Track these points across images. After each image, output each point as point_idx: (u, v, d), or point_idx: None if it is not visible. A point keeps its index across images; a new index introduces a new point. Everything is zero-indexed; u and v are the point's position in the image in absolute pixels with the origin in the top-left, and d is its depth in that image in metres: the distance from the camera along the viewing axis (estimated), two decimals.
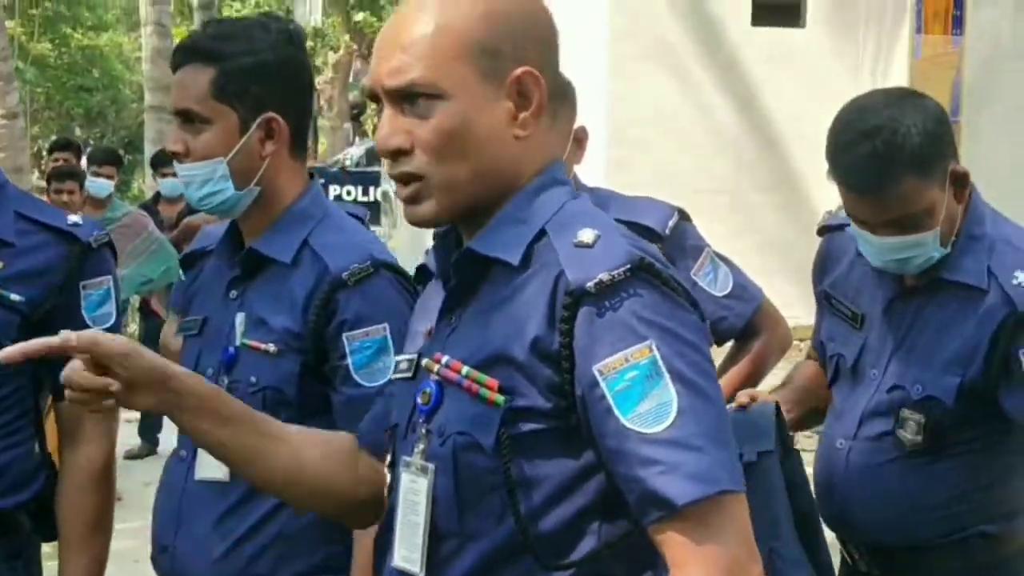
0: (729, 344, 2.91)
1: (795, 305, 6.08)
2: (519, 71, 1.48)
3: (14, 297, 2.27)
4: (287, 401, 2.14)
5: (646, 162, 7.24)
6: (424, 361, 1.56)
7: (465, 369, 1.48)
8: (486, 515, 1.47)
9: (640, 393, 1.37)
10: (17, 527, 2.34)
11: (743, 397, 2.35)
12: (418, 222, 1.53)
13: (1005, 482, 2.35)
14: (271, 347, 2.16)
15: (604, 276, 1.39)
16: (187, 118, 2.19)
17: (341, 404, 2.14)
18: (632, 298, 1.40)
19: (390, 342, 2.11)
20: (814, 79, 7.41)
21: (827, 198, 6.89)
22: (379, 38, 1.55)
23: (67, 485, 2.38)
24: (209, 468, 2.16)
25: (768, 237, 7.30)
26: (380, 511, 1.70)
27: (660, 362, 1.38)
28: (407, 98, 1.48)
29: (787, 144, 7.50)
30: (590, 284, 1.39)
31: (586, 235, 1.44)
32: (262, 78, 2.19)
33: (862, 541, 2.43)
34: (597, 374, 1.39)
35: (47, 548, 2.46)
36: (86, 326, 2.32)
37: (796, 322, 6.64)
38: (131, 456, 7.19)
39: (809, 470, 2.39)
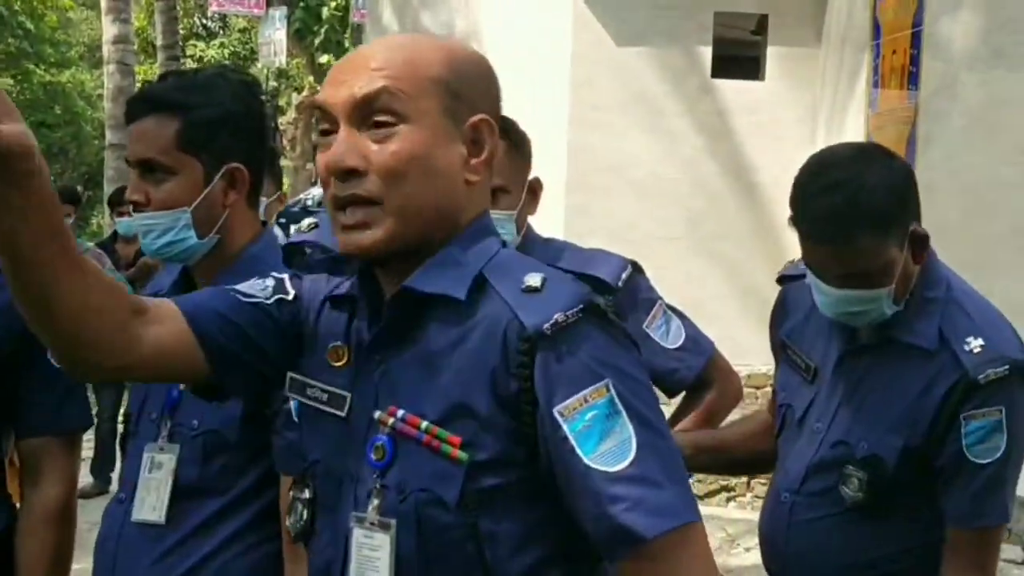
0: (680, 396, 2.92)
1: (752, 353, 6.13)
2: (476, 118, 1.50)
3: None
4: (228, 444, 2.16)
5: (605, 210, 7.28)
6: (376, 414, 1.51)
7: (424, 424, 1.46)
8: (452, 569, 1.47)
9: (601, 432, 1.39)
10: None
11: None
12: (359, 251, 1.47)
13: (943, 544, 2.33)
14: None
15: (559, 317, 1.40)
16: (148, 168, 2.19)
17: (282, 448, 2.13)
18: (586, 339, 1.41)
19: None
20: (772, 130, 7.49)
21: (784, 247, 6.96)
22: (342, 63, 1.52)
23: (28, 524, 2.38)
24: (145, 510, 2.17)
25: (725, 285, 7.34)
26: (148, 369, 1.53)
27: (617, 400, 1.40)
28: (367, 119, 1.46)
29: (745, 194, 7.56)
30: (546, 326, 1.40)
31: (533, 279, 1.45)
32: (226, 129, 2.21)
33: None
34: (558, 416, 1.39)
35: None
36: (50, 365, 2.32)
37: (752, 370, 6.75)
38: (83, 495, 7.10)
39: (756, 516, 2.39)
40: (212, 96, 2.21)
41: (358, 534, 1.51)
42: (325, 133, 1.50)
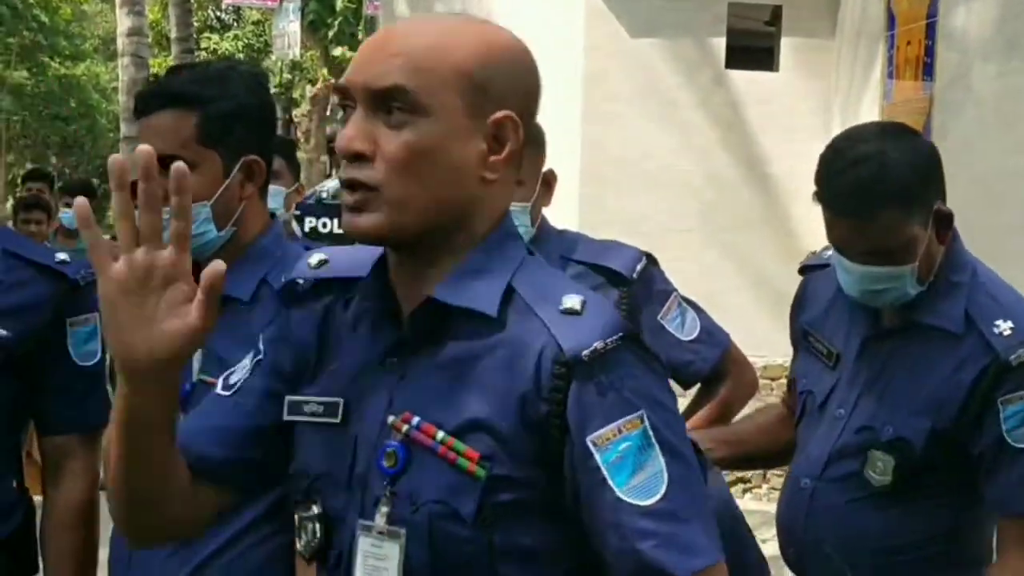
0: (695, 388, 2.93)
1: (767, 344, 6.13)
2: (500, 114, 1.44)
3: (0, 332, 2.27)
4: None
5: (619, 201, 7.28)
6: (390, 419, 1.46)
7: (440, 435, 1.41)
8: None
9: (633, 465, 1.35)
10: None
11: None
12: (356, 234, 1.45)
13: (972, 529, 2.34)
14: None
15: (599, 345, 1.36)
16: (163, 163, 2.19)
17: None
18: (623, 368, 1.37)
19: None
20: (786, 121, 7.47)
21: (799, 238, 6.95)
22: (368, 42, 1.47)
23: (52, 522, 2.39)
24: None
25: (739, 277, 7.33)
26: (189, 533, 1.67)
27: (651, 432, 1.36)
28: (384, 105, 1.41)
29: (759, 184, 7.55)
30: (585, 353, 1.36)
31: (573, 301, 1.41)
32: (243, 121, 2.21)
33: None
34: (591, 445, 1.35)
35: None
36: (73, 363, 2.35)
37: (767, 361, 6.74)
38: (104, 488, 7.11)
39: (772, 507, 2.39)
40: (227, 89, 2.20)
41: (364, 543, 1.46)
42: (346, 108, 1.46)
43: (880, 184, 2.18)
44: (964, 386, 2.23)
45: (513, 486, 1.39)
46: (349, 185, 1.44)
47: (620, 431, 1.35)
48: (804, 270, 2.62)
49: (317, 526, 1.53)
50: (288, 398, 1.57)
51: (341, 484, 1.49)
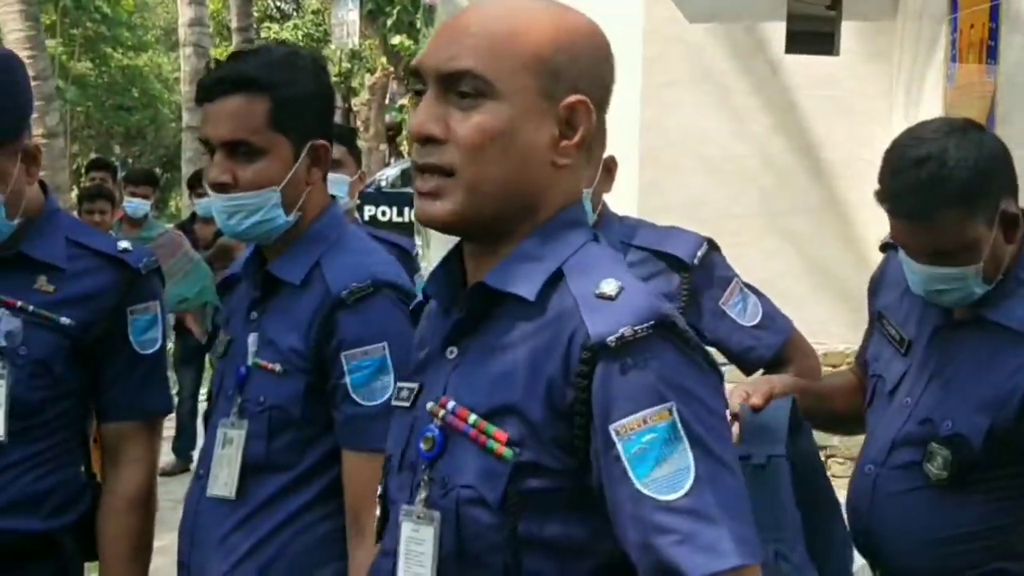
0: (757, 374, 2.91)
1: (827, 331, 6.10)
2: (573, 98, 1.43)
3: (64, 321, 2.31)
4: (292, 420, 2.16)
5: (678, 186, 7.24)
6: (429, 405, 1.48)
7: (472, 418, 1.41)
8: (488, 573, 1.40)
9: (657, 457, 1.31)
10: (62, 548, 2.37)
11: (756, 399, 2.28)
12: (430, 221, 1.45)
13: None
14: (277, 367, 2.18)
15: (626, 331, 1.32)
16: (234, 148, 2.18)
17: (341, 423, 2.15)
18: (654, 357, 1.33)
19: (389, 362, 2.11)
20: (847, 105, 7.39)
21: (858, 222, 6.89)
22: (445, 24, 1.48)
23: (109, 507, 2.42)
24: (218, 485, 2.20)
25: (801, 262, 7.28)
26: None
27: (679, 426, 1.32)
28: (457, 87, 1.41)
29: (820, 169, 7.48)
30: (611, 339, 1.33)
31: (609, 286, 1.37)
32: (310, 106, 2.22)
33: (887, 567, 2.43)
34: (613, 434, 1.32)
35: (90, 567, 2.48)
36: (133, 350, 2.39)
37: (828, 348, 6.69)
38: (164, 473, 7.24)
39: (842, 494, 2.38)
40: (296, 74, 2.21)
41: (406, 527, 1.47)
42: (418, 93, 1.46)
43: (939, 186, 2.16)
44: (1023, 386, 2.21)
45: (540, 473, 1.37)
46: (422, 170, 1.43)
47: (645, 421, 1.31)
48: (885, 247, 2.58)
49: (379, 507, 1.56)
50: (397, 384, 1.63)
51: (396, 467, 1.52)
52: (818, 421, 2.49)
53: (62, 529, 2.36)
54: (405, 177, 16.85)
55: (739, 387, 2.27)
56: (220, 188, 2.20)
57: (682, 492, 1.30)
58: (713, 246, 2.77)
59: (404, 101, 23.15)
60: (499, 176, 1.41)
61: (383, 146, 24.20)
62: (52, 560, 2.36)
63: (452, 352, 1.48)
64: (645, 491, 1.31)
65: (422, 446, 1.46)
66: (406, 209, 15.02)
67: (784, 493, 2.17)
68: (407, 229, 13.69)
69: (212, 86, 2.20)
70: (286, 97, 2.18)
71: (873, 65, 7.51)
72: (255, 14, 21.79)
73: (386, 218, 15.72)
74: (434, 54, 1.43)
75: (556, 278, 1.42)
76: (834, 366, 6.94)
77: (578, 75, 1.43)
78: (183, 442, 7.62)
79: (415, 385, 1.53)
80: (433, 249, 10.94)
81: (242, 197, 2.18)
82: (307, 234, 2.25)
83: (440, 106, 1.42)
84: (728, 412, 1.96)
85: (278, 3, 30.52)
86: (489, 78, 1.39)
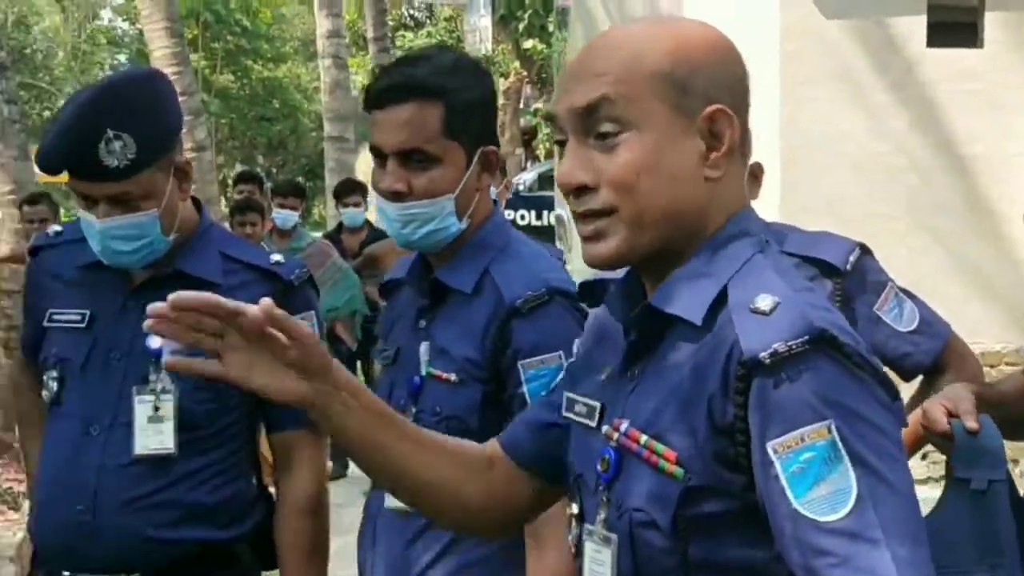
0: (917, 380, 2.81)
1: (980, 330, 5.97)
2: (711, 109, 1.41)
3: None
4: (469, 430, 2.10)
5: (819, 186, 7.15)
6: (604, 428, 1.47)
7: (644, 438, 1.40)
8: None
9: (816, 476, 1.26)
10: (238, 559, 2.43)
11: (972, 422, 2.13)
12: (598, 262, 1.44)
13: None
14: (453, 376, 2.18)
15: (780, 347, 1.28)
16: (408, 156, 2.17)
17: (515, 433, 2.15)
18: (811, 372, 1.28)
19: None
20: (992, 99, 7.23)
21: (1006, 218, 6.73)
22: (565, 70, 1.48)
23: (284, 514, 2.45)
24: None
25: (948, 260, 7.14)
26: (510, 525, 1.76)
27: (840, 445, 1.26)
28: (596, 129, 1.41)
29: (965, 165, 7.32)
30: (764, 355, 1.29)
31: (764, 302, 1.34)
32: (479, 111, 2.20)
33: None
34: (771, 452, 1.28)
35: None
36: None
37: (984, 348, 6.54)
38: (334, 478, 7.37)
39: None
40: (466, 80, 2.18)
41: (589, 548, 1.47)
42: (560, 143, 1.47)
43: None
44: None
45: (709, 495, 1.35)
46: (582, 216, 1.43)
47: (803, 440, 1.27)
48: None
49: (573, 524, 1.55)
50: (566, 394, 1.61)
51: (590, 487, 1.51)
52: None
53: (238, 539, 2.42)
54: (542, 181, 16.92)
55: (934, 402, 2.17)
56: (395, 197, 2.18)
57: (842, 513, 1.25)
58: (865, 250, 2.70)
59: (538, 104, 23.23)
60: (657, 204, 1.40)
61: (519, 150, 24.28)
62: (229, 570, 2.41)
63: (632, 374, 1.48)
64: (803, 511, 1.27)
65: (599, 467, 1.46)
66: (545, 212, 15.10)
67: (1003, 517, 2.08)
68: (545, 233, 13.76)
69: (382, 93, 2.18)
70: (458, 103, 2.15)
71: (1018, 55, 7.34)
72: (390, 23, 22.09)
73: (525, 222, 15.84)
74: (565, 96, 1.44)
75: (722, 295, 1.39)
76: (992, 366, 6.78)
77: (707, 84, 1.42)
78: (340, 448, 7.75)
79: (596, 404, 1.53)
80: (575, 252, 10.98)
81: (417, 206, 2.17)
82: (473, 240, 2.24)
83: (583, 152, 1.42)
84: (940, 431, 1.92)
85: (411, 11, 30.88)
86: (622, 107, 1.39)
